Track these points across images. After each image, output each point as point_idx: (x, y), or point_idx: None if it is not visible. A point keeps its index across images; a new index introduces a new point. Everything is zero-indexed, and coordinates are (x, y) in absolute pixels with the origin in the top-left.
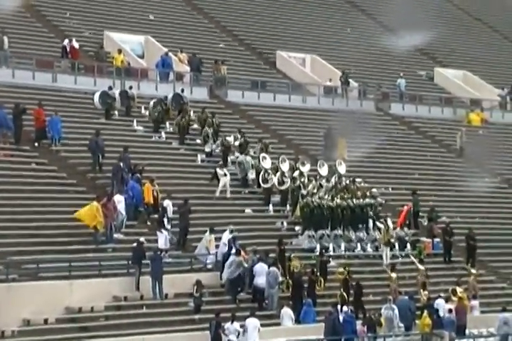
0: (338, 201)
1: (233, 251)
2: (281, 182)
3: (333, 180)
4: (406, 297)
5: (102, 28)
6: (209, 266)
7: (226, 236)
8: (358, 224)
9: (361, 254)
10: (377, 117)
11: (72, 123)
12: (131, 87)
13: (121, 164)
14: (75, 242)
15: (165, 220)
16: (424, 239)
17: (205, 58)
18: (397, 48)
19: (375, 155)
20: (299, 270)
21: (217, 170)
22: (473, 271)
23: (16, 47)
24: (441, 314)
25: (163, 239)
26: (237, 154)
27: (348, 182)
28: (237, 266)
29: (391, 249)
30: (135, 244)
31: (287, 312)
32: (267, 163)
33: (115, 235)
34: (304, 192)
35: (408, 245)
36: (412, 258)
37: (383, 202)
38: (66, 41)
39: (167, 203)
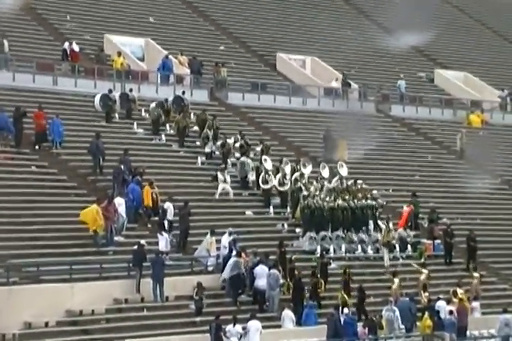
0: (340, 202)
1: (234, 253)
2: (281, 184)
3: (334, 181)
4: (407, 298)
5: (102, 31)
6: (210, 269)
7: (226, 239)
8: (359, 225)
9: (362, 256)
10: (378, 119)
11: (73, 126)
12: (131, 90)
13: (122, 167)
14: (76, 245)
15: (165, 223)
16: (424, 240)
17: (206, 61)
18: (398, 50)
19: (376, 156)
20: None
21: (219, 174)
22: (475, 274)
23: (17, 51)
24: (442, 315)
25: (163, 242)
26: (237, 155)
27: (349, 183)
28: (234, 267)
29: (392, 251)
30: (136, 247)
31: (288, 314)
32: (268, 165)
33: (116, 238)
34: (305, 193)
35: (409, 247)
36: (414, 265)
37: (384, 203)
38: (66, 44)
39: (167, 205)
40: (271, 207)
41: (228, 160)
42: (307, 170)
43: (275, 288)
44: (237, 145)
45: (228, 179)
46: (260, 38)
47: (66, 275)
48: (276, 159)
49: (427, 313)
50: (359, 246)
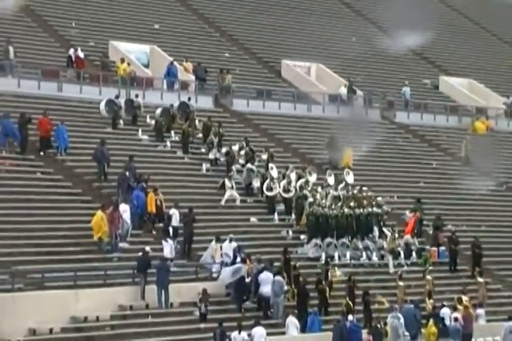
0: (345, 210)
1: (238, 259)
2: (286, 190)
3: (340, 188)
4: (411, 305)
5: (107, 38)
6: (214, 275)
7: (227, 246)
8: (363, 232)
9: (366, 263)
10: (383, 126)
11: (78, 132)
12: (137, 96)
13: (127, 173)
14: (81, 251)
15: (170, 229)
16: (429, 247)
17: (211, 67)
18: (402, 56)
19: (381, 163)
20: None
21: (226, 181)
22: (480, 279)
23: (22, 57)
24: (447, 322)
25: (168, 248)
26: (241, 162)
27: (354, 191)
28: (235, 272)
29: (396, 258)
30: (140, 253)
31: (292, 321)
32: (274, 172)
33: (120, 244)
34: (310, 200)
35: (414, 253)
36: (426, 271)
37: (389, 210)
38: (72, 51)
39: (173, 212)
40: (275, 214)
41: (233, 167)
42: (312, 178)
43: (280, 295)
44: (242, 152)
45: (234, 185)
46: (265, 45)
47: (71, 281)
48: (281, 166)
49: (431, 320)
50: (364, 253)
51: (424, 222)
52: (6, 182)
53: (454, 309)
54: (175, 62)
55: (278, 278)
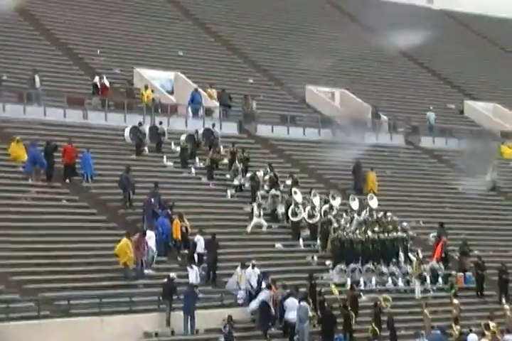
0: (370, 235)
1: (263, 286)
2: (311, 216)
3: (363, 213)
4: (438, 331)
5: (132, 65)
6: (240, 302)
7: (249, 272)
8: (389, 257)
9: (392, 288)
10: (407, 150)
11: (103, 159)
12: (161, 123)
13: (152, 200)
14: (106, 278)
15: (195, 255)
16: (455, 272)
17: (235, 93)
18: (427, 81)
19: (406, 188)
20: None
21: (254, 208)
22: (506, 306)
23: (48, 85)
24: None
25: (193, 275)
26: (266, 188)
27: (379, 215)
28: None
29: (423, 283)
30: (166, 280)
31: None
32: (298, 197)
33: (146, 271)
34: (335, 225)
35: (440, 279)
36: (453, 295)
37: (414, 235)
38: (97, 78)
39: (198, 238)
40: (300, 240)
41: (258, 193)
42: (336, 202)
43: (305, 321)
44: (266, 177)
45: (262, 214)
46: (289, 71)
47: (96, 308)
48: (306, 191)
49: None
50: (389, 279)
51: (450, 248)
52: (32, 209)
53: (482, 335)
54: (199, 89)
55: (303, 303)
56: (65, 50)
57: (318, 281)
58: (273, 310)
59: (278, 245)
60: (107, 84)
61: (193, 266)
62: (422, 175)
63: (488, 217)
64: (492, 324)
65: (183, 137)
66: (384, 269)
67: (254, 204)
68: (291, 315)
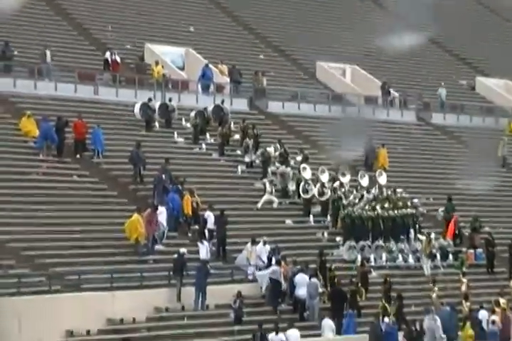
0: (380, 211)
1: (274, 261)
2: (321, 193)
3: (373, 190)
4: (448, 308)
5: (142, 41)
6: (250, 277)
7: (260, 249)
8: (399, 234)
9: (402, 265)
10: (418, 127)
11: (113, 135)
12: (170, 100)
13: (163, 176)
14: (117, 254)
15: (206, 231)
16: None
17: (245, 69)
18: (439, 58)
19: (417, 165)
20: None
21: (267, 184)
22: None
23: (59, 61)
24: (484, 325)
25: (204, 250)
26: (277, 165)
27: (389, 192)
28: (271, 275)
29: (433, 260)
30: (176, 256)
31: (328, 323)
32: (307, 174)
33: (156, 246)
34: (344, 202)
35: (450, 256)
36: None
37: (425, 212)
38: (108, 54)
39: (208, 214)
40: (311, 216)
41: (268, 169)
42: (346, 179)
43: (315, 297)
44: (277, 153)
45: (274, 191)
46: (300, 47)
47: (107, 283)
48: (316, 168)
49: (468, 323)
50: (400, 255)
51: (461, 224)
52: (42, 184)
53: (492, 312)
54: (210, 65)
55: (313, 280)
56: (76, 26)
57: (329, 257)
58: (284, 286)
59: (288, 221)
60: (118, 59)
61: (204, 241)
62: (433, 151)
63: (498, 193)
64: (502, 300)
65: (192, 113)
66: (394, 246)
67: (266, 181)
68: (301, 291)
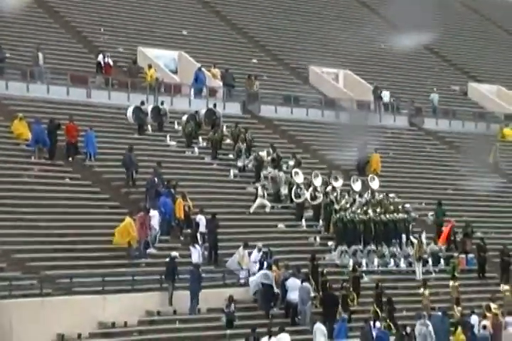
0: (372, 216)
1: (265, 266)
2: (313, 197)
3: (366, 195)
4: (439, 313)
5: (135, 44)
6: (242, 281)
7: (255, 255)
8: (391, 239)
9: (394, 270)
10: (411, 132)
11: (106, 138)
12: (162, 103)
13: (155, 179)
14: (109, 257)
15: (198, 235)
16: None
17: (238, 73)
18: (431, 63)
19: (409, 170)
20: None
21: (259, 188)
22: (506, 287)
23: (51, 63)
24: (475, 330)
25: (196, 254)
26: (269, 169)
27: (381, 197)
28: (262, 278)
29: (424, 265)
30: (168, 259)
31: (320, 327)
32: (299, 178)
33: (148, 250)
34: (336, 207)
35: (442, 261)
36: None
37: (417, 216)
38: (100, 56)
39: (199, 218)
40: (303, 220)
41: (261, 173)
42: (338, 184)
43: (307, 302)
44: (269, 158)
45: (266, 195)
46: (293, 51)
47: (99, 287)
48: (309, 172)
49: (460, 328)
50: (392, 260)
51: (454, 229)
52: (34, 187)
53: (483, 316)
54: (203, 69)
55: (305, 284)
56: (69, 28)
57: (321, 262)
58: (276, 291)
59: (280, 225)
60: (111, 62)
61: (196, 245)
62: (425, 156)
63: (490, 198)
64: (493, 305)
65: (184, 117)
66: (386, 250)
67: (259, 185)
68: (293, 296)
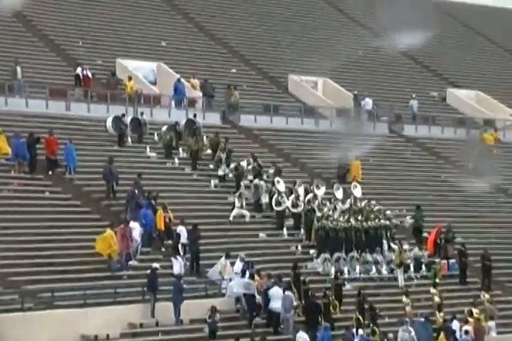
0: (353, 223)
1: (247, 275)
2: (295, 205)
3: (347, 202)
4: (422, 319)
5: (114, 56)
6: (224, 291)
7: (238, 266)
8: (372, 246)
9: (376, 277)
10: (391, 139)
11: (86, 151)
12: (142, 114)
13: (136, 191)
14: (90, 270)
15: (179, 246)
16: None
17: (218, 83)
18: (409, 69)
19: (389, 176)
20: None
21: (236, 200)
22: (486, 295)
23: (29, 77)
24: (457, 336)
25: (178, 266)
26: (250, 178)
27: (363, 204)
28: (243, 287)
29: (406, 271)
30: (149, 271)
31: (303, 336)
32: (281, 187)
33: (130, 262)
34: (319, 214)
35: (423, 266)
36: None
37: (398, 223)
38: (79, 69)
39: (180, 229)
40: (284, 229)
41: (241, 183)
42: (320, 192)
43: (290, 310)
44: (250, 167)
45: (244, 204)
46: (271, 60)
47: (80, 300)
48: (290, 181)
49: (442, 333)
50: (373, 267)
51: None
52: (14, 201)
53: (466, 322)
54: (182, 79)
55: (288, 293)
56: (47, 41)
57: (303, 270)
58: (258, 300)
59: (262, 235)
60: (90, 75)
61: (177, 256)
62: (406, 163)
63: (470, 204)
64: (475, 311)
65: (163, 128)
66: (368, 257)
67: (235, 195)
68: (276, 305)
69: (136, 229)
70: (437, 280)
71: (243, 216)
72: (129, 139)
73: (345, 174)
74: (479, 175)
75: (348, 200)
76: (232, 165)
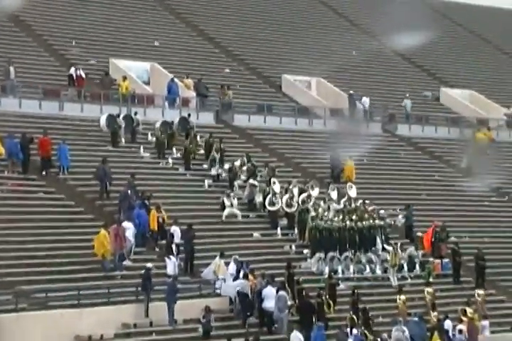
0: (347, 223)
1: (241, 275)
2: (289, 205)
3: (342, 202)
4: (416, 318)
5: (107, 56)
6: (218, 291)
7: (232, 267)
8: (367, 245)
9: (370, 276)
10: (384, 138)
11: (79, 151)
12: (136, 113)
13: (129, 191)
14: (84, 270)
15: (173, 246)
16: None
17: (211, 83)
18: (403, 69)
19: (383, 176)
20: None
21: (225, 199)
22: (480, 291)
23: (23, 77)
24: (451, 335)
25: (171, 266)
26: (243, 178)
27: (358, 204)
28: (239, 287)
29: (400, 270)
30: (143, 271)
31: (297, 336)
32: (276, 188)
33: (124, 262)
34: (313, 213)
35: (417, 266)
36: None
37: (392, 223)
38: (72, 69)
39: (174, 229)
40: (278, 229)
41: (235, 182)
42: (315, 192)
43: (284, 310)
44: (244, 167)
45: (235, 203)
46: (265, 60)
47: (74, 300)
48: (284, 180)
49: (436, 333)
50: (367, 267)
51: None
52: (8, 202)
53: (459, 321)
54: (175, 79)
55: (282, 293)
56: (41, 42)
57: (297, 270)
58: (252, 300)
59: (256, 234)
60: (83, 75)
61: (171, 256)
62: (399, 163)
63: (464, 203)
64: (469, 310)
65: (157, 124)
66: (362, 257)
67: (224, 195)
68: (269, 304)
69: (129, 229)
70: (431, 280)
71: (235, 215)
72: (123, 139)
73: (340, 174)
74: (473, 175)
75: (343, 200)
76: (227, 166)
